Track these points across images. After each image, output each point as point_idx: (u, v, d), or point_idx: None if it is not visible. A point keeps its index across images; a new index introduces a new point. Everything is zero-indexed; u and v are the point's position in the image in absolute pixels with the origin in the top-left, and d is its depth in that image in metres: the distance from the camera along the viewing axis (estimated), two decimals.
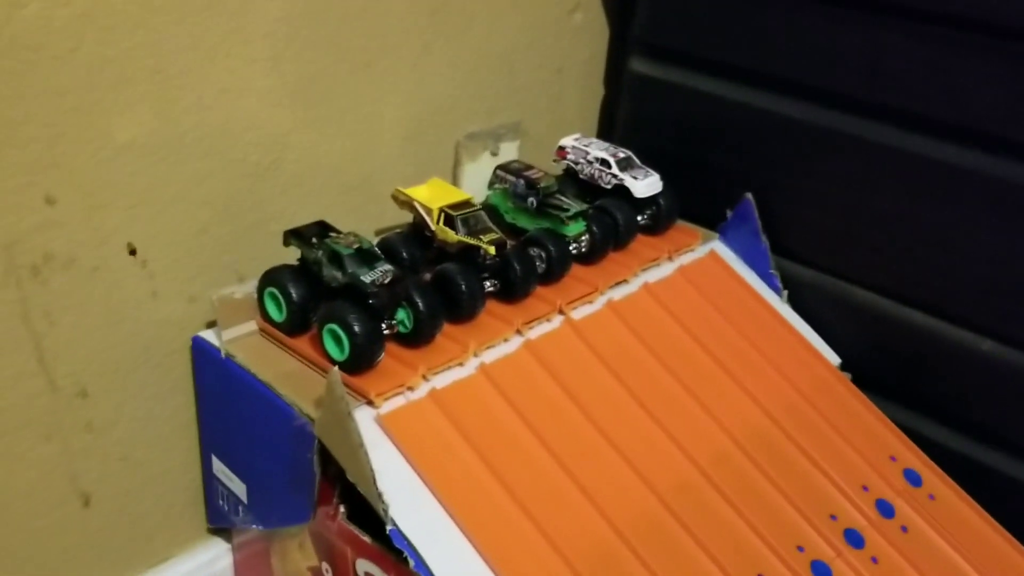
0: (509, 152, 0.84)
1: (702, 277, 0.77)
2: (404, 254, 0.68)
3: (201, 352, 0.66)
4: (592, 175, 0.78)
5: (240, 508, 0.68)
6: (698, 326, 0.73)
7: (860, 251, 0.76)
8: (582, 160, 0.79)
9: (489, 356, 0.64)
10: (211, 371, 0.66)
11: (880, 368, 0.77)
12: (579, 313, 0.70)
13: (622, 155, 0.78)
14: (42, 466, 0.63)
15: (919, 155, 0.71)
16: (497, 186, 0.76)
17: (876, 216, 0.74)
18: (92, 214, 0.60)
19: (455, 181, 0.83)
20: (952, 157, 0.69)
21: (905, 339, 0.75)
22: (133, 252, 0.63)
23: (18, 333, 0.59)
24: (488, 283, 0.67)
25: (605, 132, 0.94)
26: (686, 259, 0.78)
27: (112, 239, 0.62)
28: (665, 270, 0.77)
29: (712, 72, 0.81)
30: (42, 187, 0.57)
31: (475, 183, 0.81)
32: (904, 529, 0.66)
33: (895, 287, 0.75)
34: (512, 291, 0.68)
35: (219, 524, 0.73)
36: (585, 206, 0.73)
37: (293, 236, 0.64)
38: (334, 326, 0.59)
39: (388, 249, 0.68)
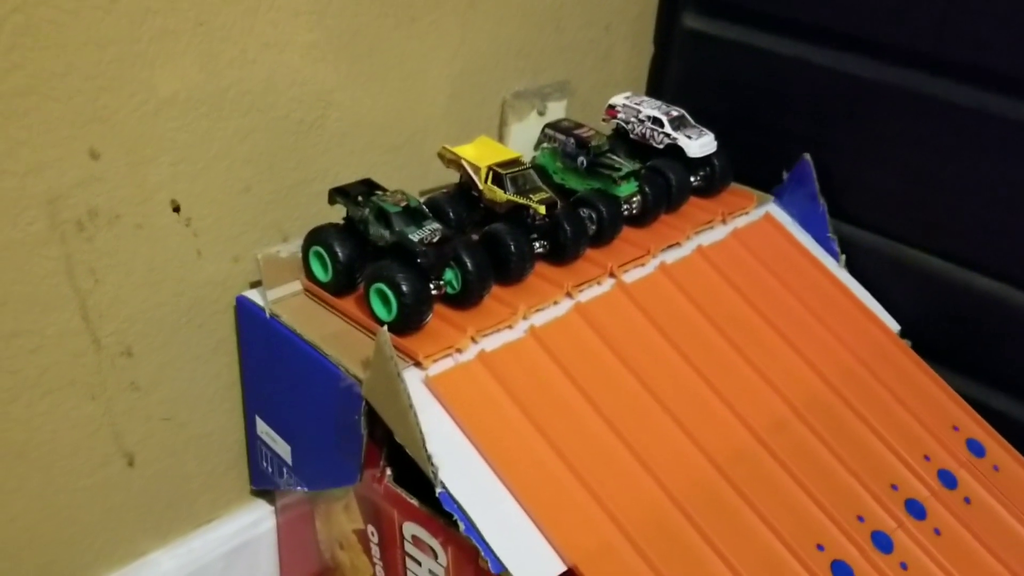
0: (556, 111, 0.82)
1: (757, 241, 0.75)
2: (451, 214, 0.67)
3: (245, 312, 0.65)
4: (643, 134, 0.76)
5: (284, 470, 0.67)
6: (753, 291, 0.70)
7: (923, 214, 0.73)
8: (633, 119, 0.76)
9: (539, 319, 0.63)
10: (255, 331, 0.65)
11: (942, 335, 0.74)
12: (631, 276, 0.68)
13: (675, 114, 0.75)
14: (87, 425, 0.63)
15: (988, 113, 0.68)
16: (545, 146, 0.74)
17: (941, 177, 0.71)
18: (136, 169, 0.59)
19: (501, 141, 0.81)
20: None
21: (968, 305, 0.72)
22: (177, 209, 0.62)
23: (63, 290, 0.58)
24: (537, 244, 0.65)
25: (654, 91, 0.91)
26: (740, 222, 0.76)
27: (156, 196, 0.60)
28: (719, 233, 0.74)
29: (770, 27, 0.78)
30: (86, 141, 0.56)
31: (521, 143, 0.79)
32: (967, 500, 0.64)
33: (959, 251, 0.72)
34: (562, 253, 0.66)
35: (263, 486, 0.73)
36: (637, 166, 0.71)
37: (339, 194, 0.62)
38: (382, 286, 0.58)
39: (434, 209, 0.66)
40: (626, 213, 0.70)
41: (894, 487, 0.63)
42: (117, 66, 0.56)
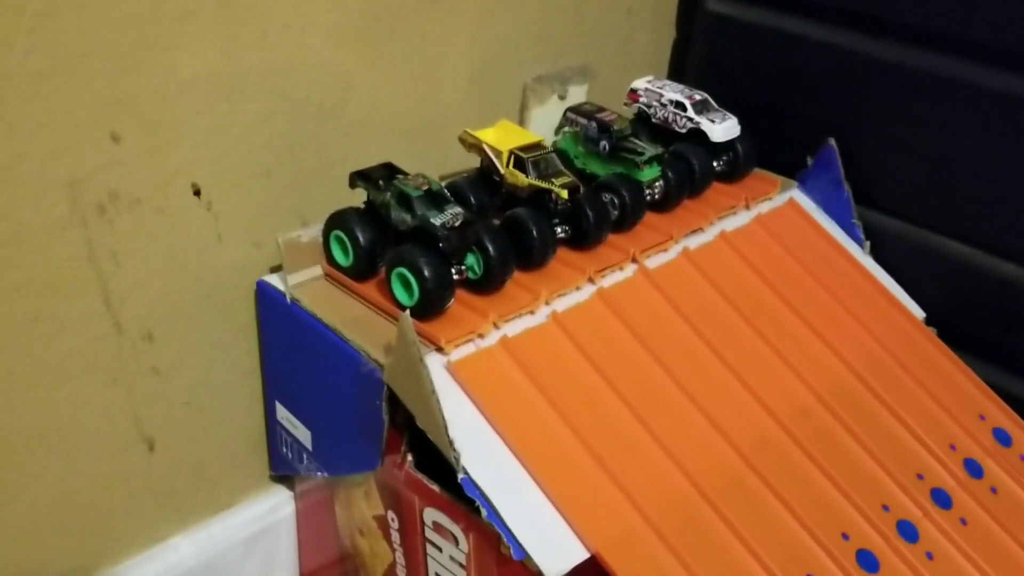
0: (577, 96, 0.81)
1: (781, 227, 0.74)
2: (472, 199, 0.66)
3: (266, 297, 0.65)
4: (666, 118, 0.75)
5: (304, 455, 0.67)
6: (777, 277, 0.70)
7: (949, 200, 0.72)
8: (655, 103, 0.76)
9: (561, 304, 0.62)
10: (276, 316, 0.65)
11: (968, 322, 0.73)
12: (653, 262, 0.67)
13: (698, 97, 0.74)
14: (107, 410, 0.63)
15: (1017, 97, 0.67)
16: (567, 129, 0.73)
17: (968, 162, 0.70)
18: (157, 153, 0.58)
19: (521, 125, 0.80)
20: None
21: (995, 292, 0.71)
22: (197, 193, 0.61)
23: (84, 274, 0.58)
24: (559, 229, 0.65)
25: (676, 76, 0.91)
26: (764, 208, 0.75)
27: (177, 180, 0.60)
28: (742, 219, 0.74)
29: (794, 10, 0.77)
30: (107, 124, 0.56)
31: (542, 127, 0.78)
32: (994, 490, 0.63)
33: (986, 237, 0.71)
34: (584, 238, 0.65)
35: (282, 472, 0.73)
36: (660, 151, 0.70)
37: (360, 178, 0.62)
38: (403, 270, 0.57)
39: (455, 193, 0.65)
40: (649, 198, 0.69)
41: (920, 476, 0.62)
42: (138, 48, 0.55)
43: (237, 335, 0.68)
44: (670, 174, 0.70)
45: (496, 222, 0.64)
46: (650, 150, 0.70)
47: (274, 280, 0.64)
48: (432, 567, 0.61)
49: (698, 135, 0.74)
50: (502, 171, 0.65)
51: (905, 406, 0.65)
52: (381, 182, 0.61)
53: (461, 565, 0.57)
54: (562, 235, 0.65)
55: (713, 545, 0.54)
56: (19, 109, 0.52)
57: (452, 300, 0.59)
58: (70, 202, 0.56)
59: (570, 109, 0.73)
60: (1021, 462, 0.66)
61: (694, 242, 0.70)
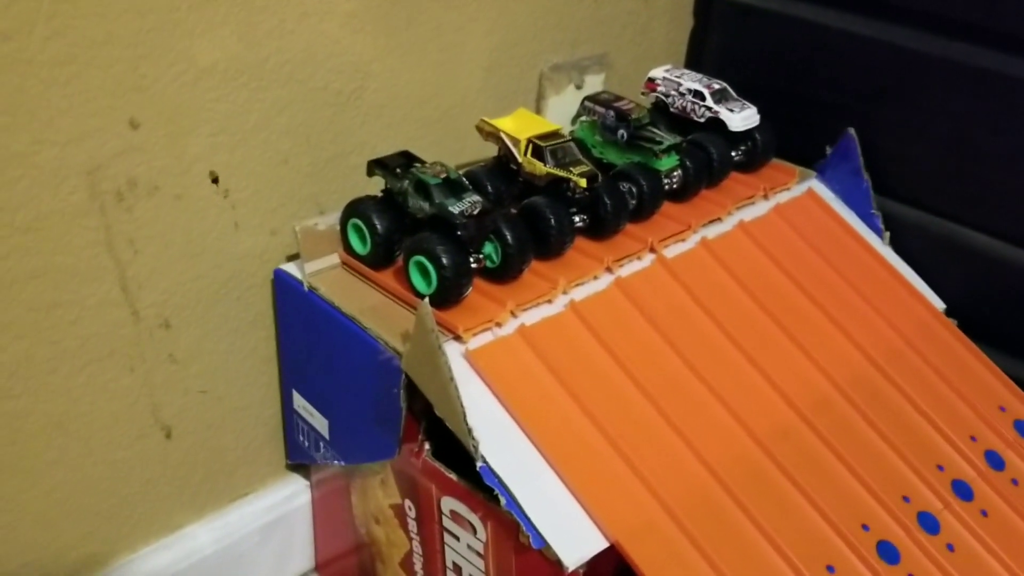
0: (594, 85, 0.81)
1: (800, 217, 0.73)
2: (489, 188, 0.66)
3: (283, 285, 0.65)
4: (684, 108, 0.75)
5: (321, 444, 0.67)
6: (796, 267, 0.69)
7: (970, 189, 0.72)
8: (674, 92, 0.75)
9: (578, 293, 0.62)
10: (293, 305, 0.65)
11: (988, 314, 0.73)
12: (671, 251, 0.67)
13: (717, 87, 0.74)
14: (125, 397, 0.63)
15: None
16: (584, 119, 0.73)
17: (990, 152, 0.69)
18: (175, 140, 0.58)
19: (538, 114, 0.80)
20: None
21: (1016, 283, 0.71)
22: (215, 181, 0.61)
23: (102, 261, 0.58)
24: (577, 218, 0.64)
25: (693, 65, 0.90)
26: (782, 198, 0.75)
27: (195, 167, 0.60)
28: (760, 209, 0.73)
29: None
30: (126, 111, 0.56)
31: (559, 116, 0.78)
32: (1015, 482, 0.63)
33: (1007, 228, 0.71)
34: (602, 227, 0.65)
35: (299, 460, 0.73)
36: (678, 140, 0.70)
37: (377, 166, 0.62)
38: (421, 258, 0.57)
39: (473, 182, 0.65)
40: (667, 187, 0.69)
41: (940, 468, 0.62)
42: (156, 35, 0.55)
43: (254, 323, 0.68)
44: (688, 163, 0.70)
45: (514, 211, 0.63)
46: (668, 139, 0.69)
47: (291, 268, 0.64)
48: (449, 556, 0.61)
49: (716, 124, 0.73)
50: (520, 159, 0.65)
51: (925, 397, 0.65)
52: (399, 170, 0.61)
53: (479, 554, 0.57)
54: (580, 224, 0.65)
55: (732, 535, 0.54)
56: (39, 95, 0.52)
57: (470, 288, 0.58)
58: (89, 189, 0.56)
59: (588, 98, 0.72)
60: None
61: (712, 232, 0.69)
